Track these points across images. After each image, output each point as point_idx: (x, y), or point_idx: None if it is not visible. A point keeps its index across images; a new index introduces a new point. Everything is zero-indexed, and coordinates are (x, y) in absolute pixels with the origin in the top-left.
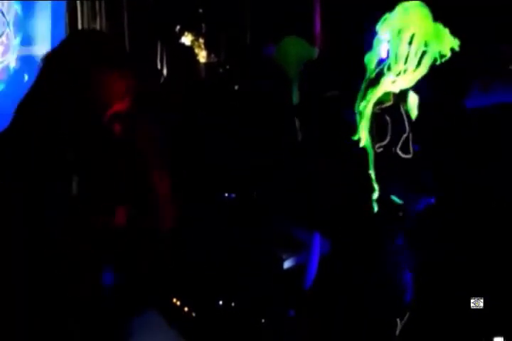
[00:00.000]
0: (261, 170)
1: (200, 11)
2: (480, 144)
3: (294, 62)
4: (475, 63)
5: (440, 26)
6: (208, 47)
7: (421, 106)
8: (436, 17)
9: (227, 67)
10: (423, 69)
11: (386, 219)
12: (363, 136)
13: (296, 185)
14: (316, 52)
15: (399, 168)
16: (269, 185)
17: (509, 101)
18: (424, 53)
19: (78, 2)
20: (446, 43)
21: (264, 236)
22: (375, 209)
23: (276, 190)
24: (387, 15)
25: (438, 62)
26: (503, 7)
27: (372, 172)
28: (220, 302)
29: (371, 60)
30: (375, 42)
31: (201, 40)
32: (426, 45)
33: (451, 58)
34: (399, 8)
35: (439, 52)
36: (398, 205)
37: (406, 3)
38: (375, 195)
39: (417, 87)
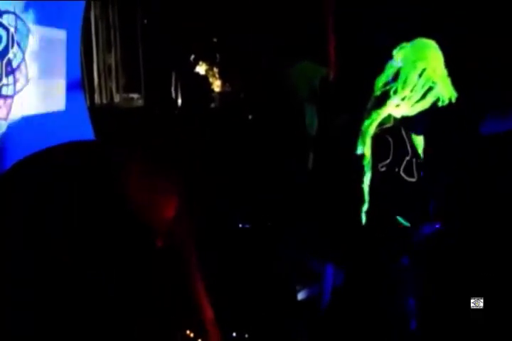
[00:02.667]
0: (274, 200)
1: (215, 40)
2: (494, 169)
3: (307, 87)
4: (491, 90)
5: (446, 74)
6: (222, 76)
7: (426, 133)
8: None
9: (242, 96)
10: (425, 104)
11: (387, 239)
12: (366, 153)
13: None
14: (329, 75)
15: (403, 189)
16: (283, 216)
17: None
18: (430, 89)
19: (93, 33)
20: (448, 91)
21: (278, 266)
22: (364, 220)
23: (290, 221)
24: (404, 44)
25: (440, 105)
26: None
27: (365, 187)
28: (234, 334)
29: (380, 81)
30: (388, 66)
31: (215, 70)
32: (433, 82)
33: (468, 86)
34: (418, 41)
35: (442, 96)
36: (405, 227)
37: (424, 40)
38: (365, 207)
39: (417, 120)
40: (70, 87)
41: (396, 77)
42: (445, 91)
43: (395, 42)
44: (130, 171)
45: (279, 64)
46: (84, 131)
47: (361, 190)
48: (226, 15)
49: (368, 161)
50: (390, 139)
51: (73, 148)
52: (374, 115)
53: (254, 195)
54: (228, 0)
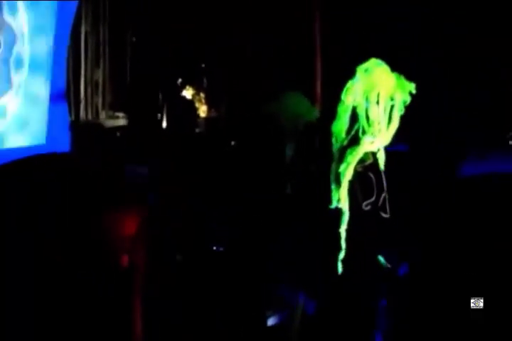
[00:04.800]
0: (250, 226)
1: (203, 65)
2: (469, 210)
3: (292, 119)
4: (473, 131)
5: (397, 75)
6: (208, 102)
7: (398, 163)
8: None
9: (227, 122)
10: (395, 123)
11: (367, 279)
12: (343, 196)
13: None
14: (316, 112)
15: (381, 227)
16: (257, 242)
17: (506, 170)
18: (392, 107)
19: (83, 48)
20: (407, 90)
21: (251, 292)
22: (340, 269)
23: (264, 248)
24: (349, 84)
25: (403, 110)
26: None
27: (342, 232)
28: None
29: (340, 129)
30: (341, 110)
31: (202, 95)
32: (392, 99)
33: (450, 126)
34: (359, 72)
35: (404, 101)
36: (383, 266)
37: (364, 65)
38: (342, 255)
39: (393, 143)
40: (54, 99)
41: (354, 117)
42: (405, 94)
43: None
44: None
45: (265, 96)
46: (62, 142)
47: (338, 234)
48: (215, 41)
49: (344, 203)
50: (372, 176)
51: (51, 160)
52: (349, 158)
53: (229, 218)
54: (217, 28)
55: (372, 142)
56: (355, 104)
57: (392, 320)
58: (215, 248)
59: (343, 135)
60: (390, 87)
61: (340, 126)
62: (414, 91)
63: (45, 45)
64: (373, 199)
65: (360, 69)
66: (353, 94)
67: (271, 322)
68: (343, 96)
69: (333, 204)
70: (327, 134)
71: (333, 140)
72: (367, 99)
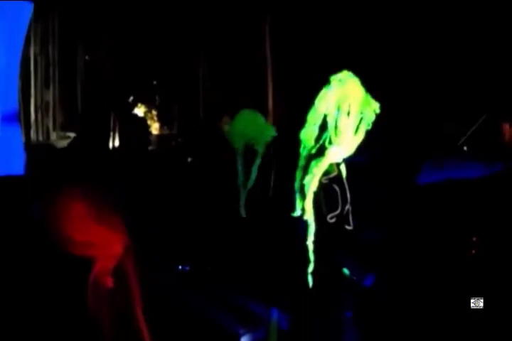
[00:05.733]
0: (214, 243)
1: (154, 83)
2: (428, 218)
3: (245, 138)
4: (428, 140)
5: (365, 91)
6: (161, 119)
7: (361, 175)
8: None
9: (180, 139)
10: (361, 136)
11: (333, 292)
12: (308, 208)
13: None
14: (273, 130)
15: (346, 239)
16: (222, 257)
17: (460, 176)
18: (360, 120)
19: (32, 69)
20: (373, 107)
21: (221, 310)
22: (310, 282)
23: (231, 263)
24: (324, 91)
25: (369, 126)
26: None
27: (310, 244)
28: None
29: (309, 136)
30: (311, 117)
31: (154, 112)
32: (361, 112)
33: (406, 135)
34: (334, 82)
35: (370, 117)
36: (348, 278)
37: (339, 75)
38: (311, 268)
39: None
40: (6, 121)
41: (323, 126)
42: (372, 111)
43: None
44: (71, 209)
45: (219, 110)
46: (16, 164)
47: (305, 246)
48: (168, 59)
49: (310, 216)
50: (337, 188)
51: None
52: (314, 169)
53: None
54: (171, 46)
55: (337, 152)
56: (326, 113)
57: (359, 331)
58: (180, 267)
59: (312, 143)
60: (360, 101)
61: (310, 133)
62: (378, 111)
63: None
64: (338, 211)
65: (334, 79)
66: (326, 102)
67: (245, 340)
68: (316, 104)
69: (297, 213)
70: (295, 142)
71: (301, 148)
72: (338, 109)
